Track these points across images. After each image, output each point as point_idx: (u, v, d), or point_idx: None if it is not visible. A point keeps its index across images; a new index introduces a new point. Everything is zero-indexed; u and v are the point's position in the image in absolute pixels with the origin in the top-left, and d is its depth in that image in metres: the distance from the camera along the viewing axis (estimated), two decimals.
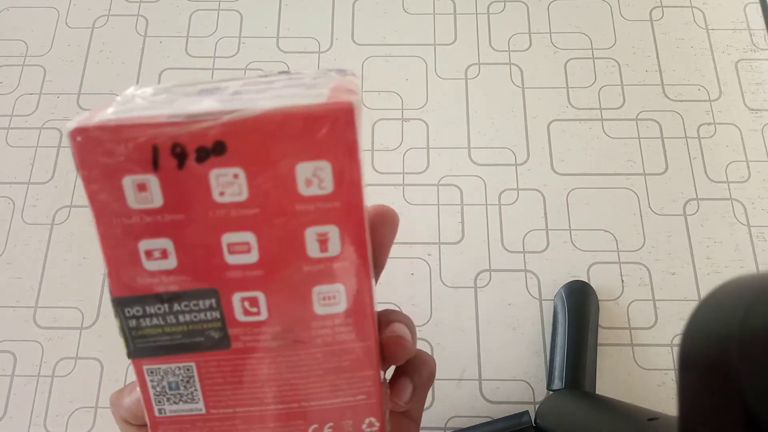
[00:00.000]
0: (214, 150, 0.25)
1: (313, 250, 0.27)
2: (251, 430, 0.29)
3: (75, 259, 0.67)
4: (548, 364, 0.62)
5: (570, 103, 0.74)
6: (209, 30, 0.78)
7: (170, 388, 0.28)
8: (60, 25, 0.79)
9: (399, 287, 0.64)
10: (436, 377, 0.62)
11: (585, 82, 0.75)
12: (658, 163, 0.71)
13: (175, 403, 0.28)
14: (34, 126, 0.73)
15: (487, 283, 0.65)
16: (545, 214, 0.68)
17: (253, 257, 0.27)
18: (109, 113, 0.24)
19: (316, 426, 0.30)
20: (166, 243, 0.26)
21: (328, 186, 0.26)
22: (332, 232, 0.27)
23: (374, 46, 0.77)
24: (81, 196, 0.69)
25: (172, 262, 0.26)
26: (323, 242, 0.27)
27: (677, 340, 0.40)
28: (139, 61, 0.77)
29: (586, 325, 0.62)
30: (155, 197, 0.25)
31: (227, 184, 0.25)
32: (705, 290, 0.50)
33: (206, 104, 0.24)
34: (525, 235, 0.67)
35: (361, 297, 0.28)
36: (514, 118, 0.73)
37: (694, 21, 0.79)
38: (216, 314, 0.27)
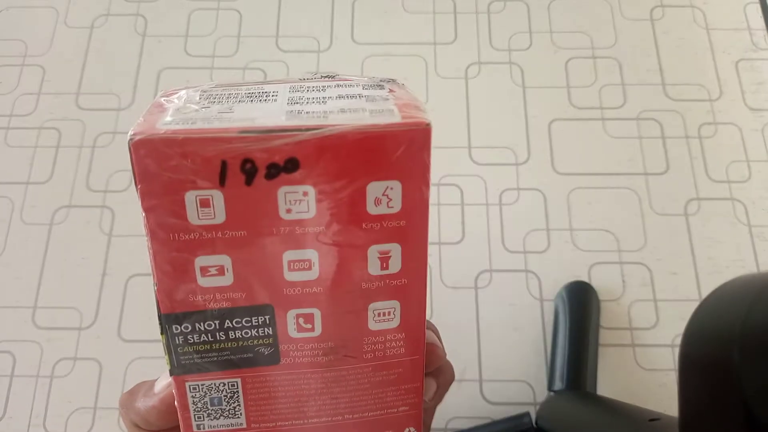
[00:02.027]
0: (285, 167, 0.24)
1: (374, 267, 0.27)
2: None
3: (74, 260, 0.67)
4: (549, 364, 0.61)
5: (571, 103, 0.74)
6: (208, 29, 0.78)
7: (212, 404, 0.27)
8: (59, 25, 0.79)
9: None
10: None
11: (586, 81, 0.75)
12: (659, 163, 0.71)
13: (215, 418, 0.27)
14: (33, 126, 0.73)
15: (488, 284, 0.65)
16: (546, 213, 0.68)
17: (313, 274, 0.26)
18: (170, 123, 0.22)
19: None
20: (224, 260, 0.25)
21: (396, 205, 0.26)
22: (395, 250, 0.27)
23: (374, 45, 0.76)
24: (81, 196, 0.69)
25: (228, 279, 0.25)
26: (385, 260, 0.27)
27: (678, 341, 0.40)
28: (138, 60, 0.77)
29: (587, 325, 0.61)
30: (218, 213, 0.24)
31: (295, 201, 0.25)
32: (706, 290, 0.49)
33: (272, 118, 0.23)
34: (526, 235, 0.67)
35: (416, 313, 0.28)
36: (515, 118, 0.73)
37: (695, 21, 0.78)
38: (269, 330, 0.26)
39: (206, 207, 0.24)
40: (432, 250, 0.67)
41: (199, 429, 0.27)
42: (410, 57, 0.76)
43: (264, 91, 0.27)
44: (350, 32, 0.77)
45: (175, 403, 0.27)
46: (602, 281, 0.65)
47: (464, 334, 0.63)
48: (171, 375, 0.26)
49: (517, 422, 0.58)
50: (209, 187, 0.23)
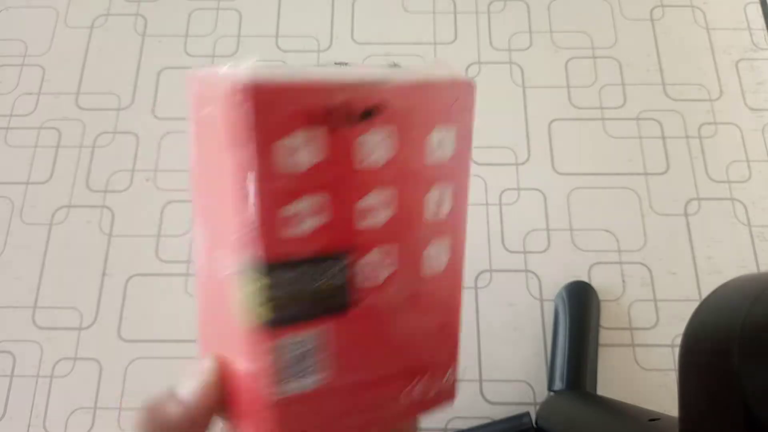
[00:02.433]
0: (373, 111, 0.26)
1: (430, 210, 0.29)
2: (367, 394, 0.29)
3: (74, 260, 0.67)
4: (549, 364, 0.61)
5: (571, 103, 0.74)
6: (208, 29, 0.78)
7: (297, 361, 0.27)
8: (59, 25, 0.79)
9: None
10: None
11: (586, 81, 0.75)
12: (659, 163, 0.71)
13: (300, 377, 0.27)
14: (33, 126, 0.73)
15: (488, 284, 0.65)
16: (546, 214, 0.68)
17: (383, 219, 0.28)
18: (274, 75, 0.23)
19: (416, 380, 0.32)
20: (315, 202, 0.26)
21: (449, 151, 0.29)
22: (446, 193, 0.30)
23: (374, 45, 0.76)
24: (81, 196, 0.69)
25: (316, 223, 0.26)
26: (439, 204, 0.30)
27: (678, 341, 0.40)
28: (138, 60, 0.77)
29: (587, 325, 0.61)
30: (314, 155, 0.25)
31: (377, 145, 0.27)
32: (706, 290, 0.49)
33: (355, 74, 0.25)
34: (526, 235, 0.67)
35: (459, 256, 0.31)
36: (515, 118, 0.73)
37: (695, 21, 0.78)
38: (345, 276, 0.27)
39: (307, 149, 0.25)
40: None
41: (284, 394, 0.27)
42: (410, 57, 0.76)
43: (315, 65, 0.30)
44: (350, 32, 0.77)
45: (248, 368, 0.26)
46: (602, 281, 0.65)
47: (464, 334, 0.63)
48: (264, 327, 0.26)
49: (517, 422, 0.58)
50: (312, 129, 0.25)
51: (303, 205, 0.26)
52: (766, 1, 0.79)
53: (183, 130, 0.68)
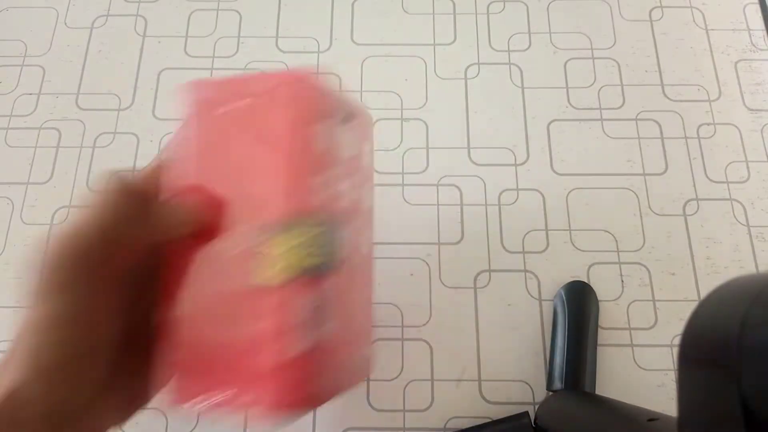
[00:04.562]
0: (349, 118, 0.33)
1: (366, 202, 0.37)
2: (342, 352, 0.33)
3: None
4: (548, 364, 0.62)
5: (570, 103, 0.74)
6: (208, 30, 0.78)
7: (315, 313, 0.30)
8: (59, 26, 0.79)
9: (398, 288, 0.64)
10: (436, 378, 0.62)
11: (585, 82, 0.75)
12: (658, 164, 0.71)
13: (316, 327, 0.29)
14: (33, 126, 0.73)
15: (487, 284, 0.65)
16: (545, 214, 0.68)
17: (351, 199, 0.34)
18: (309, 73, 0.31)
19: (360, 346, 0.36)
20: (329, 178, 0.31)
21: (370, 161, 0.39)
22: (369, 191, 0.39)
23: (373, 46, 0.77)
24: (80, 197, 0.69)
25: (328, 194, 0.31)
26: (366, 199, 0.38)
27: (677, 341, 0.40)
28: (138, 61, 0.77)
29: (586, 325, 0.62)
30: (329, 142, 0.31)
31: (350, 142, 0.33)
32: (705, 291, 0.49)
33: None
34: (525, 236, 0.67)
35: (372, 246, 0.39)
36: (514, 118, 0.73)
37: (694, 21, 0.79)
38: (340, 239, 0.31)
39: (326, 136, 0.30)
40: (431, 250, 0.67)
41: (301, 349, 0.28)
42: (410, 57, 0.76)
43: None
44: (350, 33, 0.77)
45: (268, 328, 0.28)
46: (601, 281, 0.65)
47: (463, 334, 0.64)
48: (297, 282, 0.28)
49: (516, 422, 0.58)
50: (332, 122, 0.31)
51: (322, 178, 0.30)
52: (765, 2, 0.79)
53: None
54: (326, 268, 0.30)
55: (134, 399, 0.35)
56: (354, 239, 0.34)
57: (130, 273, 0.31)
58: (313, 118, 0.29)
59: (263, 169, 0.29)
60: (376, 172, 0.70)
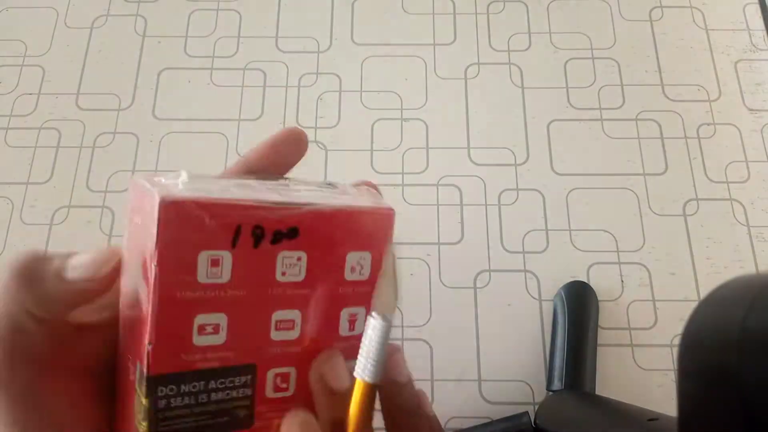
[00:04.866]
0: (287, 234, 0.26)
1: (343, 329, 0.30)
2: None
3: None
4: (548, 364, 0.62)
5: (570, 103, 0.74)
6: (208, 30, 0.78)
7: None
8: (59, 26, 0.79)
9: None
10: (436, 378, 0.62)
11: (584, 82, 0.75)
12: (658, 164, 0.71)
13: None
14: (33, 126, 0.73)
15: (487, 284, 0.65)
16: (545, 214, 0.68)
17: (294, 334, 0.28)
18: (189, 191, 0.24)
19: None
20: (221, 318, 0.26)
21: (366, 273, 0.30)
22: (360, 313, 0.30)
23: (373, 46, 0.77)
24: (81, 196, 0.69)
25: (221, 338, 0.26)
26: (353, 322, 0.30)
27: (677, 341, 0.40)
28: (138, 61, 0.77)
29: (586, 325, 0.62)
30: (224, 273, 0.26)
31: (290, 265, 0.27)
32: (705, 291, 0.49)
33: (274, 196, 0.27)
34: (525, 236, 0.67)
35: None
36: (514, 118, 0.73)
37: (694, 21, 0.79)
38: (248, 391, 0.27)
39: (215, 267, 0.25)
40: (431, 250, 0.67)
41: None
42: (410, 57, 0.76)
43: (248, 184, 0.28)
44: (350, 33, 0.77)
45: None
46: (601, 281, 0.65)
47: (463, 334, 0.63)
48: None
49: (516, 422, 0.58)
50: (222, 249, 0.25)
51: (207, 318, 0.26)
52: (765, 3, 0.79)
53: (183, 130, 0.68)
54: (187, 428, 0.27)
55: None
56: (301, 379, 0.29)
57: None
58: (191, 250, 0.25)
59: (142, 308, 0.26)
60: (376, 172, 0.70)
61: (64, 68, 0.76)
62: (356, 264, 0.29)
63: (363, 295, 0.30)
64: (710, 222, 0.68)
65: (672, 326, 0.63)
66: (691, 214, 0.68)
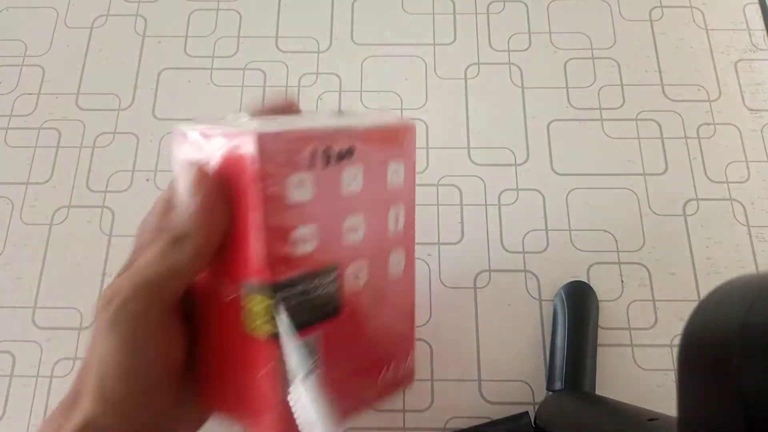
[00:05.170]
0: (347, 152, 0.32)
1: (391, 226, 0.37)
2: (353, 382, 0.36)
3: (74, 260, 0.67)
4: (548, 364, 0.62)
5: (570, 103, 0.74)
6: (208, 30, 0.78)
7: (297, 366, 0.31)
8: (59, 25, 0.79)
9: None
10: (436, 378, 0.62)
11: (584, 82, 0.75)
12: (658, 164, 0.71)
13: (301, 380, 0.31)
14: (32, 126, 0.73)
15: (487, 284, 0.65)
16: (545, 214, 0.68)
17: (360, 236, 0.34)
18: (269, 126, 0.29)
19: (387, 366, 0.39)
20: (310, 230, 0.31)
21: (401, 179, 0.37)
22: (401, 212, 0.38)
23: (373, 46, 0.77)
24: (81, 196, 0.69)
25: (313, 245, 0.31)
26: (396, 220, 0.38)
27: (677, 341, 0.40)
28: (138, 60, 0.77)
29: (586, 325, 0.62)
30: (307, 192, 0.30)
31: (351, 178, 0.33)
32: (705, 291, 0.49)
33: (333, 122, 0.32)
34: (525, 236, 0.67)
35: (411, 261, 0.40)
36: (514, 118, 0.73)
37: (694, 21, 0.78)
38: (335, 286, 0.32)
39: (301, 187, 0.30)
40: (431, 251, 0.67)
41: (288, 395, 0.31)
42: (409, 57, 0.76)
43: (294, 117, 0.35)
44: (350, 33, 0.77)
45: (261, 373, 0.31)
46: (601, 281, 0.65)
47: (463, 334, 0.64)
48: (270, 340, 0.30)
49: (516, 422, 0.58)
50: (304, 171, 0.30)
51: (301, 231, 0.30)
52: (765, 2, 0.79)
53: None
54: (306, 324, 0.31)
55: (192, 424, 0.38)
56: (373, 268, 0.35)
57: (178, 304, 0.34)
58: (283, 175, 0.29)
59: (241, 225, 0.30)
60: None
61: (64, 68, 0.76)
62: (394, 172, 0.36)
63: (401, 197, 0.37)
64: (710, 222, 0.68)
65: (672, 326, 0.63)
66: (691, 214, 0.68)
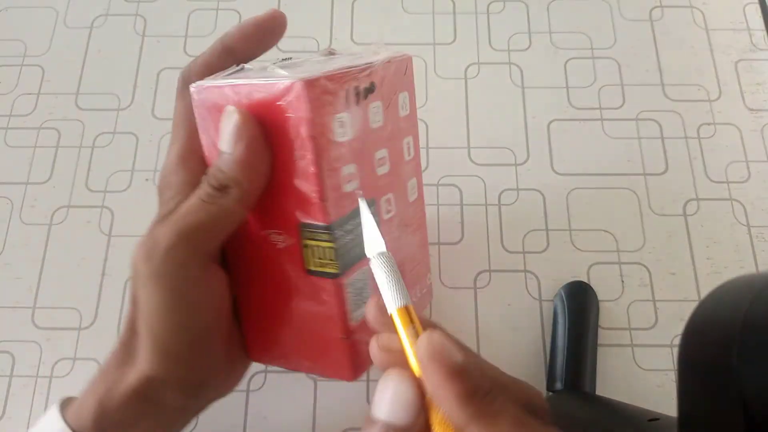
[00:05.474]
0: (370, 89, 0.33)
1: (406, 155, 0.38)
2: (414, 283, 0.41)
3: (73, 260, 0.67)
4: (548, 364, 0.62)
5: (570, 103, 0.74)
6: (208, 29, 0.78)
7: (357, 294, 0.33)
8: (58, 25, 0.79)
9: None
10: None
11: (585, 81, 0.75)
12: (658, 163, 0.71)
13: (359, 306, 0.34)
14: (32, 126, 0.73)
15: (487, 284, 0.65)
16: (545, 214, 0.68)
17: (386, 168, 0.36)
18: (305, 71, 0.30)
19: (416, 285, 0.42)
20: (353, 167, 0.32)
21: (407, 108, 0.38)
22: (410, 141, 0.39)
23: (369, 44, 0.76)
24: (80, 196, 0.69)
25: (356, 183, 0.32)
26: (408, 149, 0.38)
27: (677, 341, 0.40)
28: (138, 60, 0.77)
29: (586, 325, 0.62)
30: (347, 131, 0.31)
31: (375, 113, 0.34)
32: (705, 291, 0.49)
33: (353, 62, 0.33)
34: (525, 236, 0.67)
35: (420, 189, 0.41)
36: (514, 118, 0.73)
37: (694, 21, 0.78)
38: (376, 218, 0.32)
39: (342, 127, 0.31)
40: (431, 251, 0.67)
41: (354, 321, 0.33)
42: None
43: (312, 60, 0.37)
44: (350, 32, 0.77)
45: (320, 311, 0.32)
46: (601, 281, 0.65)
47: (463, 334, 0.63)
48: (339, 276, 0.32)
49: None
50: (343, 111, 0.31)
51: (346, 170, 0.31)
52: (765, 2, 0.79)
53: None
54: (351, 263, 0.33)
55: (238, 371, 0.39)
56: (397, 197, 0.37)
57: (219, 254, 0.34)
58: (328, 118, 0.30)
59: (287, 171, 0.31)
60: None
61: (64, 68, 0.76)
62: (403, 102, 0.37)
63: (410, 126, 0.38)
64: (710, 222, 0.68)
65: (672, 326, 0.63)
66: (691, 214, 0.68)
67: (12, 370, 0.62)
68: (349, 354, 0.33)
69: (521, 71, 0.76)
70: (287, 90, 0.29)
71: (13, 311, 0.65)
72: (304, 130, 0.29)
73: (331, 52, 0.46)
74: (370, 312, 0.28)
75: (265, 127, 0.30)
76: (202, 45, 0.79)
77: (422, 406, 0.25)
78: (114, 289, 0.65)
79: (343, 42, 0.77)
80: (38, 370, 0.62)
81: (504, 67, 0.76)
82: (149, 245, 0.32)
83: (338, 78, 0.30)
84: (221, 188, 0.31)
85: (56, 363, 0.62)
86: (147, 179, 0.70)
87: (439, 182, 0.69)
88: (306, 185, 0.30)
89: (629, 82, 0.75)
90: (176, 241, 0.31)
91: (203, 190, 0.32)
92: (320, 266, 0.32)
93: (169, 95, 0.74)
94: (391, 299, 0.27)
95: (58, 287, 0.66)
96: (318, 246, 0.31)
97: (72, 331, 0.64)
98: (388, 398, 0.25)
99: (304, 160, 0.30)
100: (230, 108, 0.31)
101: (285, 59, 0.42)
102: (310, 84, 0.29)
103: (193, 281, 0.32)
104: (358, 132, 0.32)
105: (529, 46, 0.77)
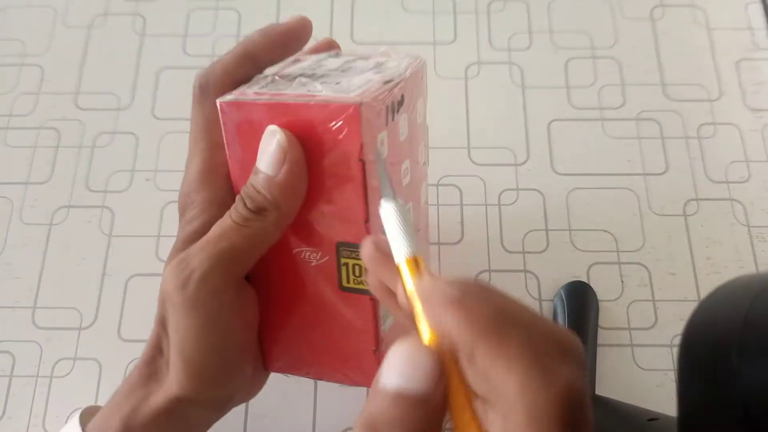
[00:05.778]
0: (400, 102, 0.33)
1: (420, 160, 0.38)
2: None
3: (73, 260, 0.67)
4: None
5: (570, 103, 0.74)
6: (207, 29, 0.78)
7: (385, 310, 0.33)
8: (57, 25, 0.79)
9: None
10: None
11: (585, 81, 0.75)
12: (658, 163, 0.71)
13: (388, 316, 0.34)
14: (32, 126, 0.73)
15: None
16: (545, 214, 0.68)
17: (409, 179, 0.36)
18: (350, 92, 0.30)
19: None
20: (388, 183, 0.31)
21: (422, 115, 0.38)
22: (423, 146, 0.39)
23: (374, 46, 0.76)
24: (80, 196, 0.69)
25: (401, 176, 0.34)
26: (421, 154, 0.39)
27: (677, 341, 0.40)
28: (137, 60, 0.77)
29: (586, 325, 0.61)
30: (385, 148, 0.31)
31: (403, 126, 0.34)
32: (705, 291, 0.49)
33: (384, 77, 0.33)
34: (525, 236, 0.67)
35: (426, 190, 0.43)
36: (514, 118, 0.73)
37: (695, 21, 0.78)
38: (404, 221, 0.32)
39: (383, 145, 0.31)
40: (431, 251, 0.67)
41: (384, 332, 0.33)
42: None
43: (349, 71, 0.37)
44: (350, 32, 0.77)
45: (355, 325, 0.33)
46: (601, 281, 0.65)
47: None
48: (365, 296, 0.32)
49: None
50: (383, 129, 0.31)
51: (387, 185, 0.31)
52: (766, 2, 0.79)
53: (183, 130, 0.68)
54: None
55: (261, 381, 0.40)
56: (415, 203, 0.38)
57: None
58: (373, 139, 0.30)
59: (338, 192, 0.30)
60: None
61: (63, 68, 0.76)
62: (419, 110, 0.37)
63: (424, 132, 0.39)
64: (710, 222, 0.68)
65: (672, 326, 0.63)
66: (691, 214, 0.68)
67: (12, 370, 0.62)
68: (380, 364, 0.34)
69: (521, 71, 0.76)
70: (337, 112, 0.28)
71: (13, 311, 0.65)
72: (355, 153, 0.29)
73: (332, 46, 0.47)
74: (366, 249, 0.27)
75: (304, 146, 0.30)
76: (202, 45, 0.80)
77: (442, 374, 0.22)
78: (114, 289, 0.65)
79: (344, 42, 0.77)
80: (38, 370, 0.62)
81: (504, 67, 0.76)
82: (182, 272, 0.31)
83: (382, 98, 0.30)
84: (258, 211, 0.30)
85: (56, 363, 0.62)
86: (147, 179, 0.70)
87: (439, 182, 0.69)
88: (349, 206, 0.30)
89: (630, 82, 0.75)
90: (210, 270, 0.30)
91: (238, 212, 0.31)
92: (357, 283, 0.32)
93: (169, 95, 0.74)
94: (401, 248, 0.26)
95: (58, 287, 0.66)
96: (357, 264, 0.31)
97: (72, 331, 0.64)
98: (402, 363, 0.22)
99: (352, 182, 0.29)
100: (273, 128, 0.30)
101: (294, 61, 0.43)
102: (366, 108, 0.28)
103: (227, 307, 0.32)
104: (391, 148, 0.32)
105: (530, 46, 0.77)
